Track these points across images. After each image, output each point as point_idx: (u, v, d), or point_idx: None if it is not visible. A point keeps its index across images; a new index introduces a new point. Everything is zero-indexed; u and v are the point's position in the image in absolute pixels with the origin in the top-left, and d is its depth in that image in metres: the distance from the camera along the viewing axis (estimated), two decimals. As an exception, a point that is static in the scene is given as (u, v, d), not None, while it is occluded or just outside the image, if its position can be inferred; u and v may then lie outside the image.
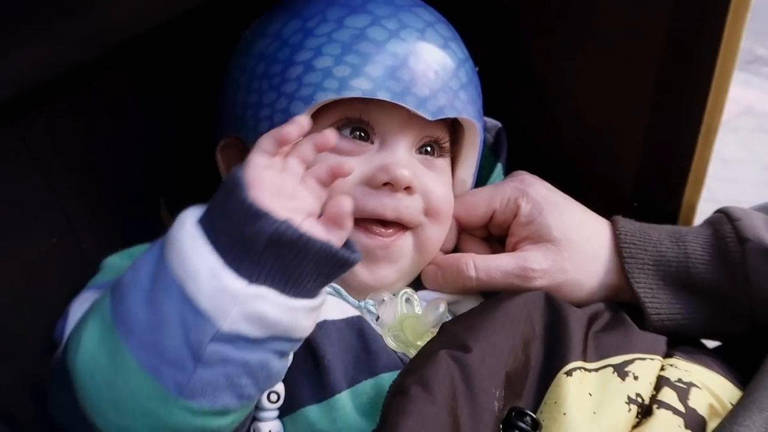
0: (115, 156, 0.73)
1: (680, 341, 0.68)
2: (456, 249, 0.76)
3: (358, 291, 0.69)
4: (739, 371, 0.65)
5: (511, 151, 0.81)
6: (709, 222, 0.70)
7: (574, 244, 0.70)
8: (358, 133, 0.69)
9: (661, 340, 0.66)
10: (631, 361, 0.61)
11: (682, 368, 0.62)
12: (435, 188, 0.70)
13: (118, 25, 0.62)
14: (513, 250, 0.72)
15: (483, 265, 0.70)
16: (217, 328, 0.49)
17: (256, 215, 0.50)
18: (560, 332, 0.62)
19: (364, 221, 0.68)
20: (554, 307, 0.64)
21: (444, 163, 0.73)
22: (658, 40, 0.75)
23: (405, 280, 0.73)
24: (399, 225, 0.69)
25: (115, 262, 0.65)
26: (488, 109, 0.83)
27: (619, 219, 0.72)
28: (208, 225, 0.51)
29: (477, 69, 0.74)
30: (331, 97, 0.65)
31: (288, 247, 0.50)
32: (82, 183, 0.68)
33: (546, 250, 0.69)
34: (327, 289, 0.65)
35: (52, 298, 0.63)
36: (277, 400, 0.61)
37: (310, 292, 0.53)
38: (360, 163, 0.67)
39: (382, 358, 0.63)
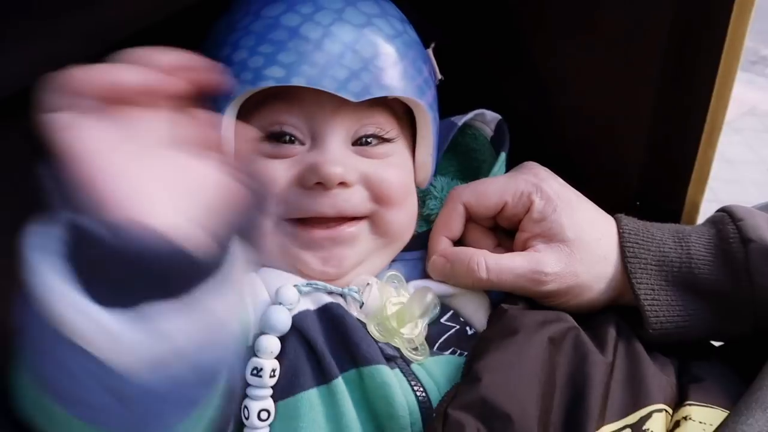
0: (116, 152, 0.73)
1: (689, 355, 0.67)
2: (462, 238, 0.75)
3: (332, 281, 0.67)
4: (743, 371, 0.64)
5: (512, 148, 0.81)
6: (712, 221, 0.69)
7: (586, 244, 0.68)
8: (286, 137, 0.67)
9: (670, 379, 0.63)
10: (648, 416, 0.58)
11: (698, 419, 0.58)
12: (377, 174, 0.68)
13: (120, 21, 0.62)
14: (523, 246, 0.70)
15: (495, 267, 0.68)
16: None
17: None
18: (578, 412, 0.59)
19: (306, 220, 0.66)
20: (578, 371, 0.61)
21: (389, 148, 0.71)
22: (661, 38, 0.74)
23: (378, 260, 0.71)
24: (346, 218, 0.67)
25: None
26: (490, 105, 0.83)
27: (623, 217, 0.71)
28: None
29: (432, 46, 0.72)
30: (248, 89, 0.64)
31: None
32: (83, 179, 0.68)
33: (559, 252, 0.68)
34: (304, 288, 0.64)
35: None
36: (273, 375, 0.60)
37: None
38: (291, 165, 0.66)
39: (362, 349, 0.61)
